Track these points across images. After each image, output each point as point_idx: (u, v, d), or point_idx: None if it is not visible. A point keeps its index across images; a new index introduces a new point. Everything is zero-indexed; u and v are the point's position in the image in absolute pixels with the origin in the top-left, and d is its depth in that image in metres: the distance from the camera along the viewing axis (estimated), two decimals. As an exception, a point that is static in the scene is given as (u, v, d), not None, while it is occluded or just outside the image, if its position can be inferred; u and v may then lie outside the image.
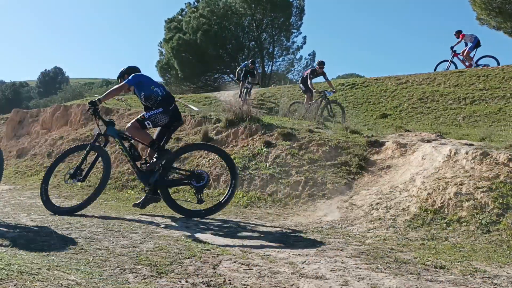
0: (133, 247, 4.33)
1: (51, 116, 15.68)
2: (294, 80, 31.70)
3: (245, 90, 17.22)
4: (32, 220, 5.70)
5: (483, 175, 6.02)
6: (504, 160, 6.14)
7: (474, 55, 17.12)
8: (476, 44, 17.02)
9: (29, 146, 14.42)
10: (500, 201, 5.53)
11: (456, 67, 17.15)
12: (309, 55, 33.27)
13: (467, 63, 17.20)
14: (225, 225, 5.96)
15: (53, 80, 70.67)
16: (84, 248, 4.16)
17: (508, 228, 5.15)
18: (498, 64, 16.23)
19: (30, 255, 3.70)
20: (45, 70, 73.85)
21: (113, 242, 4.47)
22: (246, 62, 18.20)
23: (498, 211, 5.43)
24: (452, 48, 17.67)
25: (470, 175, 6.10)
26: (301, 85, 14.77)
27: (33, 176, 11.79)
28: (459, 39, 17.35)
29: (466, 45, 17.28)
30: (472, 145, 7.26)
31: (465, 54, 17.19)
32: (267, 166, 8.28)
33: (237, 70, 17.84)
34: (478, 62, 17.06)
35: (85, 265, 3.61)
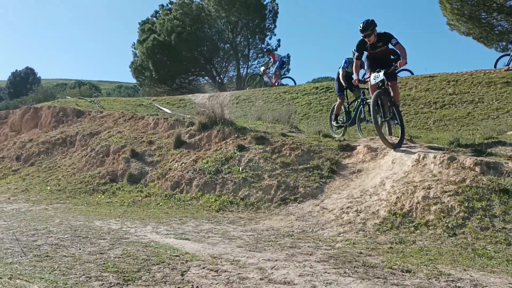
0: (101, 253, 4.26)
1: (20, 118, 15.34)
2: (270, 83, 31.75)
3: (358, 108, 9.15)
4: (-3, 226, 5.56)
5: (450, 179, 6.14)
6: (470, 164, 6.28)
7: (279, 73, 19.54)
8: (282, 64, 19.63)
9: (-3, 149, 14.06)
10: (466, 204, 5.65)
11: (262, 85, 19.20)
12: (284, 57, 33.40)
13: (273, 80, 19.30)
14: (196, 230, 5.92)
15: (24, 81, 68.95)
16: (49, 255, 4.08)
17: (473, 231, 5.27)
18: (295, 84, 18.95)
19: (-8, 264, 3.61)
20: (16, 70, 71.96)
21: (80, 249, 4.40)
22: (348, 57, 9.61)
23: (464, 214, 5.54)
24: (262, 67, 20.15)
25: (438, 179, 6.22)
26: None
27: (1, 180, 11.50)
28: (269, 58, 19.43)
29: (276, 63, 19.35)
30: (440, 149, 7.41)
31: (273, 72, 19.22)
32: (240, 170, 8.27)
33: (339, 76, 9.66)
34: (282, 81, 19.55)
35: (50, 273, 3.54)
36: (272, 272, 3.94)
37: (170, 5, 31.13)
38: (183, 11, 29.03)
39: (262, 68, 20.37)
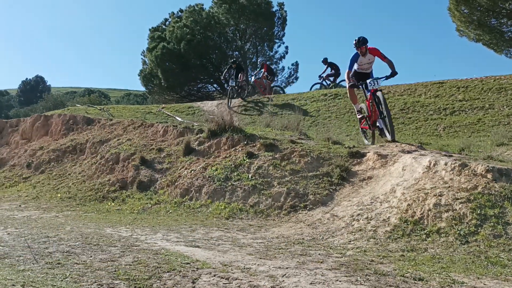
0: (112, 261, 4.27)
1: (31, 126, 15.47)
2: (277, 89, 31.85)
3: None
4: (8, 233, 5.59)
5: (461, 186, 6.09)
6: (482, 171, 6.22)
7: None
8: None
9: (8, 156, 14.18)
10: (478, 212, 5.59)
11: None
12: (292, 65, 33.55)
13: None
14: (206, 237, 5.91)
15: (34, 89, 69.76)
16: (61, 262, 4.09)
17: (485, 239, 5.21)
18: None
19: (5, 271, 3.63)
20: (26, 78, 72.78)
21: (91, 256, 4.41)
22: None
23: (476, 222, 5.49)
24: None
25: (449, 186, 6.17)
26: None
27: (12, 187, 11.59)
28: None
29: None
30: (451, 156, 7.36)
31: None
32: (249, 177, 8.26)
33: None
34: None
35: (62, 280, 3.55)
36: (284, 280, 3.91)
37: (180, 13, 31.32)
38: (194, 19, 29.20)
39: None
